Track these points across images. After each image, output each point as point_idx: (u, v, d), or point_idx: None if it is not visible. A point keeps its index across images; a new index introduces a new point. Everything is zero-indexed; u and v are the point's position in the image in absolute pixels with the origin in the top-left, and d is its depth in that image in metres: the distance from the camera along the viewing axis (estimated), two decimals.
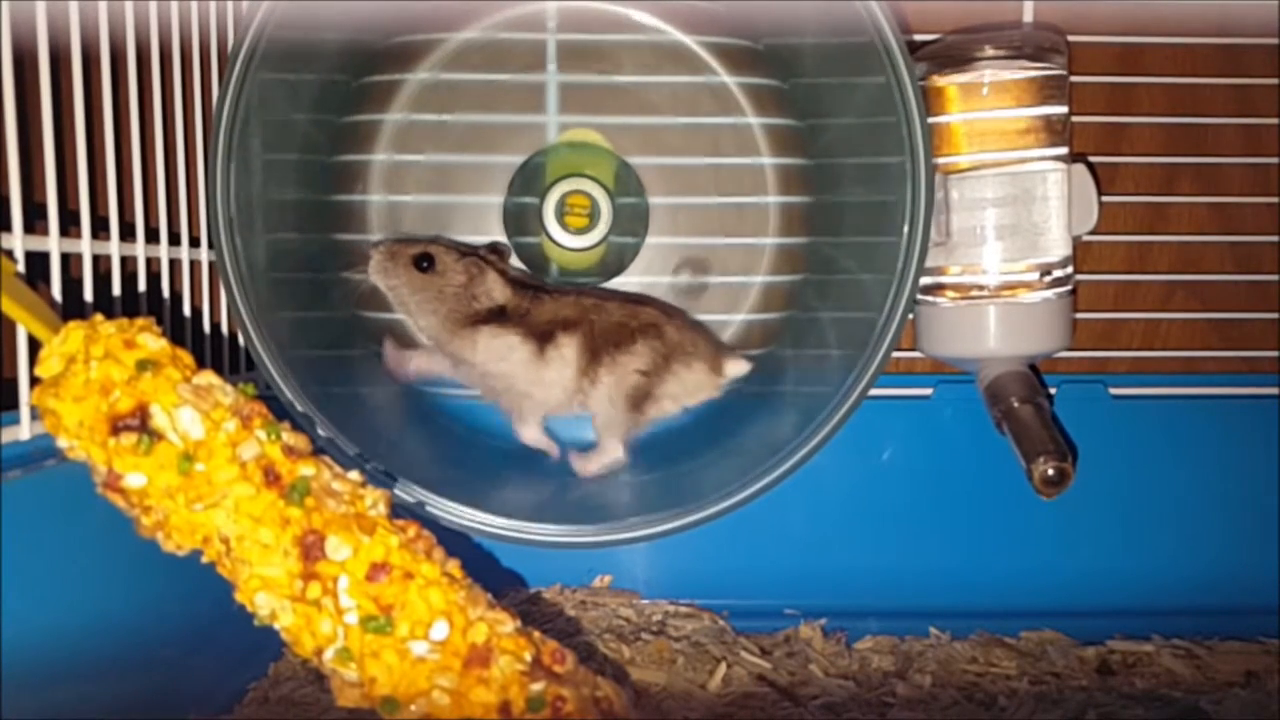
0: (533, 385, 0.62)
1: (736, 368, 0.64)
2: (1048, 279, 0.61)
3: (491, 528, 0.58)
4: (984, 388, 0.62)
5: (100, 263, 0.49)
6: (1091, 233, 0.63)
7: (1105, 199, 0.64)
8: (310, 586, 0.36)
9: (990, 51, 0.61)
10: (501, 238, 0.67)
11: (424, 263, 0.61)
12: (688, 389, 0.63)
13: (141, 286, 0.53)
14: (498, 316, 0.61)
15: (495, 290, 0.61)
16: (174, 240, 0.57)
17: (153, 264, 0.54)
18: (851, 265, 0.64)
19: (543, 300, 0.62)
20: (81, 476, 0.37)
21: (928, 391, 0.67)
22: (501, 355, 0.61)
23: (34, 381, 0.37)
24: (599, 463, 0.63)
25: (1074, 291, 0.63)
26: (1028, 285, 0.61)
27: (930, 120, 0.60)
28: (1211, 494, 0.67)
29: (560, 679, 0.38)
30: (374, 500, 0.39)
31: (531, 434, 0.64)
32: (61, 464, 0.38)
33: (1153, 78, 0.70)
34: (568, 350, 0.62)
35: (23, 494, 0.40)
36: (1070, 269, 0.62)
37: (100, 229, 0.50)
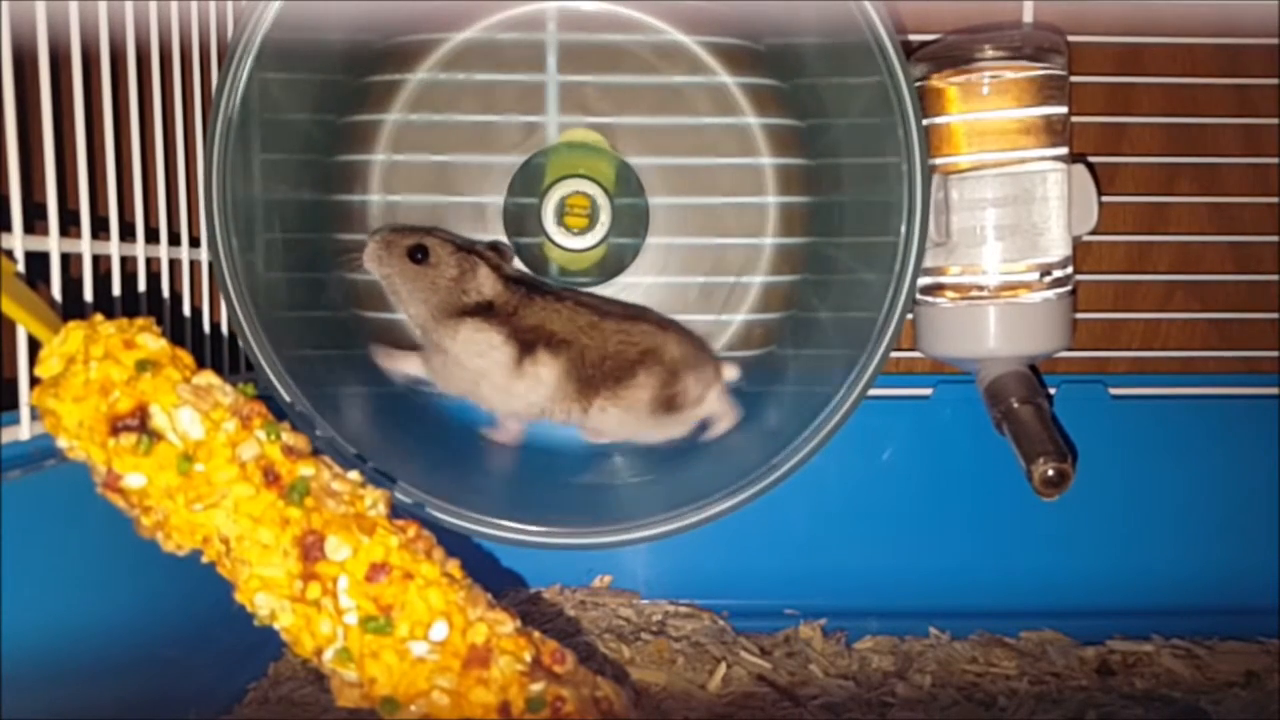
0: (497, 391, 0.62)
1: (731, 372, 0.65)
2: (1048, 279, 0.61)
3: (490, 528, 0.58)
4: (984, 388, 0.62)
5: (100, 263, 0.49)
6: (1091, 233, 0.63)
7: (1105, 199, 0.64)
8: (310, 587, 0.36)
9: (990, 51, 0.61)
10: (501, 238, 0.67)
11: (418, 254, 0.61)
12: (704, 387, 0.64)
13: (141, 286, 0.53)
14: (484, 311, 0.61)
15: (486, 285, 0.61)
16: (174, 240, 0.57)
17: (153, 264, 0.54)
18: (851, 265, 0.64)
19: (534, 303, 0.62)
20: (81, 476, 0.37)
21: (928, 391, 0.67)
22: (479, 351, 0.61)
23: (34, 381, 0.37)
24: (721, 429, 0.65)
25: (1074, 291, 0.63)
26: (1028, 285, 0.61)
27: (930, 120, 0.60)
28: (1211, 494, 0.67)
29: (560, 679, 0.38)
30: (374, 500, 0.39)
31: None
32: (61, 464, 0.38)
33: (1153, 78, 0.70)
34: (545, 372, 0.61)
35: (23, 494, 0.40)
36: (1070, 269, 0.62)
37: (100, 229, 0.50)
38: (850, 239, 0.64)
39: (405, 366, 0.64)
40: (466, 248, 0.62)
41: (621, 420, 0.63)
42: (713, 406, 0.64)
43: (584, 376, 0.62)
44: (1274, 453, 0.65)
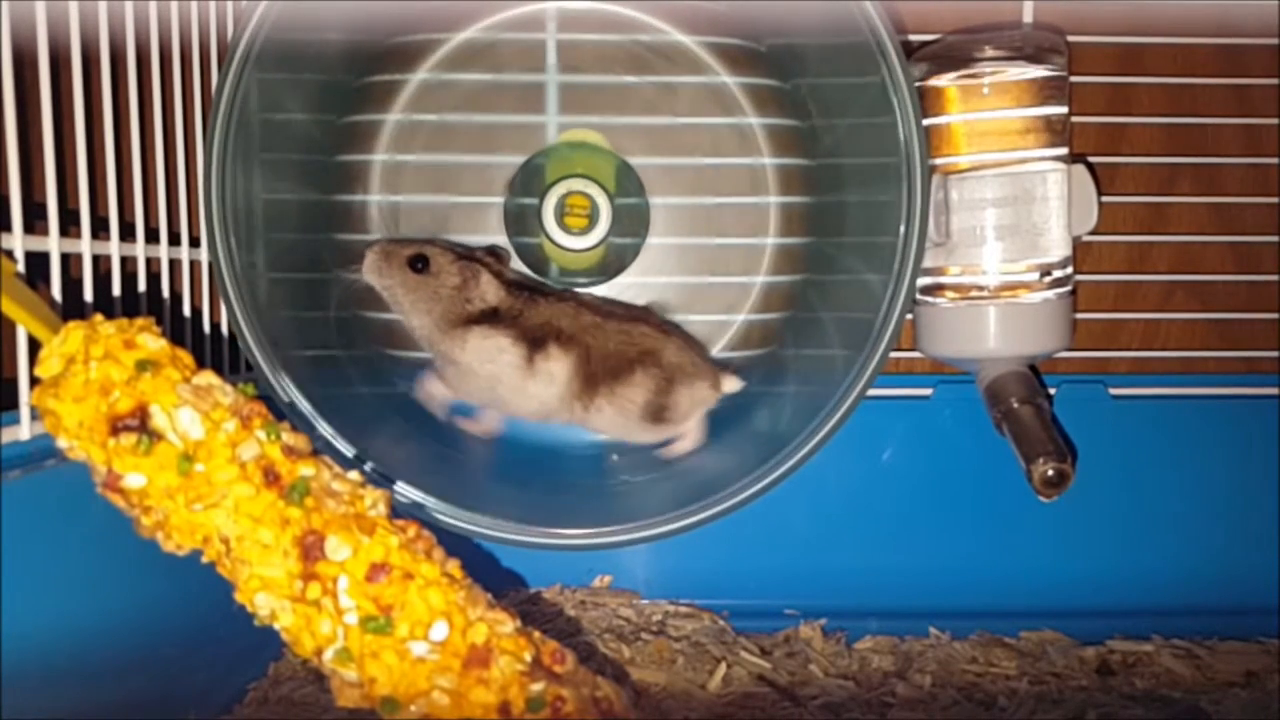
0: (514, 393, 0.62)
1: (731, 384, 0.64)
2: (1048, 279, 0.61)
3: (491, 529, 0.57)
4: (984, 388, 0.62)
5: (100, 263, 0.49)
6: (1091, 233, 0.63)
7: (1105, 199, 0.64)
8: (310, 587, 0.36)
9: (990, 52, 0.61)
10: (502, 238, 0.67)
11: (419, 264, 0.61)
12: (694, 403, 0.63)
13: (141, 286, 0.53)
14: (490, 317, 0.61)
15: (489, 293, 0.61)
16: (174, 240, 0.57)
17: (153, 264, 0.54)
18: (852, 265, 0.64)
19: (538, 305, 0.62)
20: (81, 476, 0.37)
21: (928, 391, 0.67)
22: (490, 357, 0.61)
23: (34, 382, 0.37)
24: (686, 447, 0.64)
25: (1074, 292, 0.63)
26: (1028, 285, 0.61)
27: (930, 121, 0.60)
28: (1211, 494, 0.67)
29: (560, 679, 0.38)
30: (374, 500, 0.39)
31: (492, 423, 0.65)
32: (61, 464, 0.38)
33: (1153, 78, 0.70)
34: (557, 368, 0.61)
35: (23, 494, 0.40)
36: (1070, 269, 0.62)
37: (100, 229, 0.50)
38: (851, 239, 0.64)
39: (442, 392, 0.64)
40: (466, 255, 0.62)
41: (613, 422, 0.63)
42: (694, 426, 0.64)
43: (588, 374, 0.62)
44: (1274, 453, 0.66)
